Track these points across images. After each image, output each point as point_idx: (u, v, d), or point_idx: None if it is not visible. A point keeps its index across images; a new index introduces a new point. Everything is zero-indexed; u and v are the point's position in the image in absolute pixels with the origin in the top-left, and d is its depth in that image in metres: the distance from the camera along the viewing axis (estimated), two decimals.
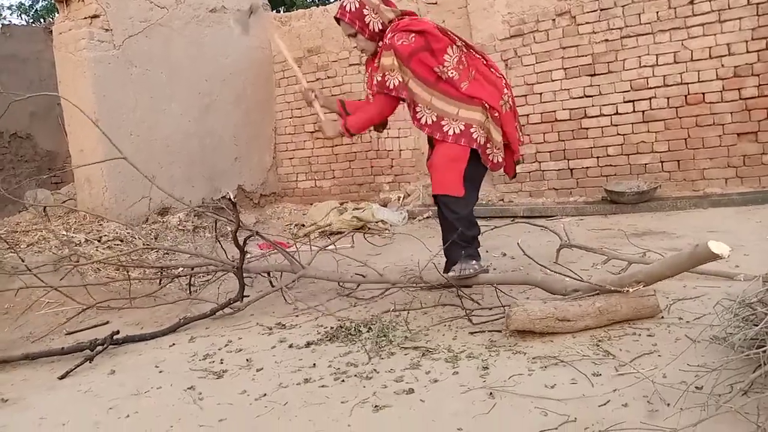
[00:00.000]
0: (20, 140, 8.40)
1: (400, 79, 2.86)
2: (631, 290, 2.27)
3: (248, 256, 3.28)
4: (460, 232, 2.89)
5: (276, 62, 7.29)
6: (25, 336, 3.03)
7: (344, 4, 2.95)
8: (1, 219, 5.73)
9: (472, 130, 2.87)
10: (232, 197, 2.67)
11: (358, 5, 2.93)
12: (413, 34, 2.83)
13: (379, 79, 2.90)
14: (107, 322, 3.10)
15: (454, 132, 2.88)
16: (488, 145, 2.93)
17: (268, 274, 3.32)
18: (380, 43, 2.94)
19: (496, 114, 2.91)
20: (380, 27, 2.95)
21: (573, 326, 2.25)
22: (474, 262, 2.88)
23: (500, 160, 2.98)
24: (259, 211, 6.88)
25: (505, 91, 2.98)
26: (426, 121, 2.92)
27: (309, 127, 7.15)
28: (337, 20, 3.03)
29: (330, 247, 3.95)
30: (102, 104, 5.28)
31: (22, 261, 3.34)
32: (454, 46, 2.89)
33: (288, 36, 7.16)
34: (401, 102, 2.98)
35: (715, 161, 5.11)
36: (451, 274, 2.85)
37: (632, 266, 3.02)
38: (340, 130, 3.07)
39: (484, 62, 3.00)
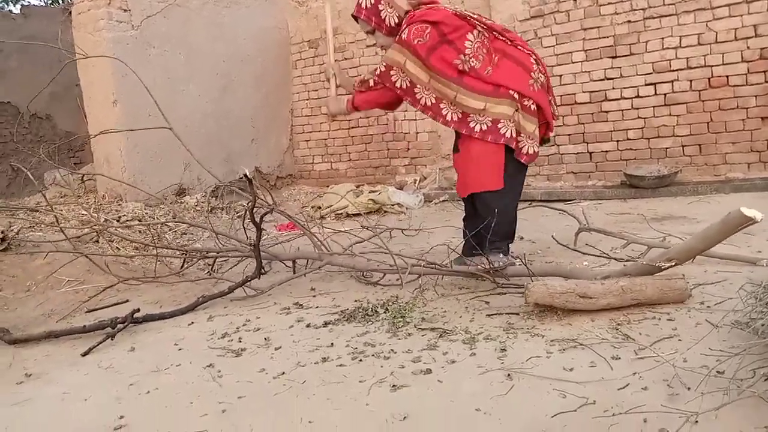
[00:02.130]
0: (40, 121, 8.49)
1: (408, 83, 2.81)
2: (664, 265, 2.25)
3: (265, 236, 3.28)
4: (494, 228, 2.76)
5: (293, 43, 7.26)
6: (47, 313, 3.07)
7: (360, 1, 2.92)
8: (22, 198, 5.81)
9: (500, 125, 2.79)
10: (248, 173, 2.66)
11: (373, 1, 2.87)
12: (428, 28, 2.74)
13: (383, 69, 2.85)
14: (127, 301, 3.14)
15: (481, 129, 2.81)
16: (520, 137, 2.83)
17: (293, 262, 3.29)
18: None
19: (528, 102, 2.82)
20: (396, 21, 2.88)
21: (594, 304, 2.21)
22: (502, 255, 2.84)
23: (535, 150, 2.87)
24: (276, 193, 6.90)
25: (535, 67, 2.86)
26: (452, 118, 2.86)
27: (325, 109, 7.13)
28: (355, 18, 2.99)
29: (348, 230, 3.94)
30: (120, 84, 5.32)
31: (60, 230, 3.33)
32: (475, 31, 2.80)
33: (305, 17, 7.13)
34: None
35: (738, 146, 5.02)
36: (471, 267, 2.82)
37: (652, 250, 2.99)
38: (344, 108, 3.05)
39: (509, 42, 2.88)
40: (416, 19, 2.79)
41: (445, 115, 2.86)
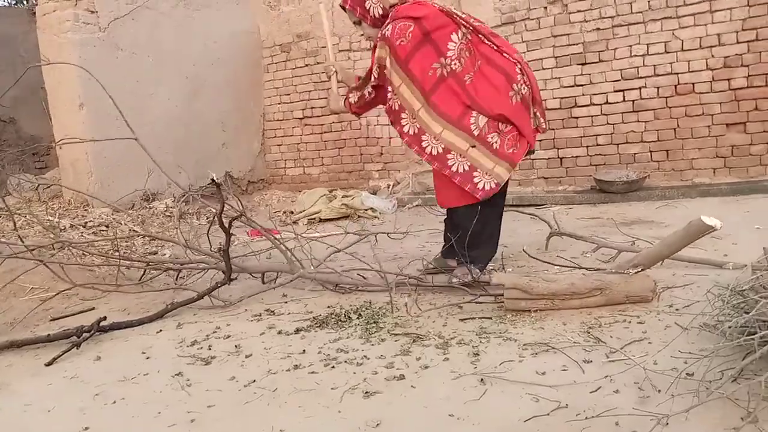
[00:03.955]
0: (3, 124, 8.26)
1: (389, 81, 2.78)
2: (631, 272, 2.31)
3: (236, 241, 3.23)
4: (470, 240, 2.76)
5: (265, 47, 7.21)
6: (9, 322, 2.98)
7: None
8: None
9: (449, 156, 2.74)
10: (215, 178, 2.62)
11: None
12: (411, 26, 2.68)
13: (377, 74, 2.84)
14: (93, 308, 3.06)
15: (430, 152, 2.77)
16: (475, 173, 2.74)
17: (263, 274, 3.24)
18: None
19: (503, 127, 2.73)
20: (380, 12, 2.84)
21: (558, 283, 2.36)
22: (478, 267, 2.83)
23: (492, 186, 2.74)
24: (247, 198, 6.83)
25: (518, 77, 2.77)
26: (407, 130, 2.81)
27: (298, 113, 7.10)
28: (343, 8, 2.97)
29: (323, 238, 3.90)
30: (87, 88, 5.20)
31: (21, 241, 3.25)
32: (460, 32, 2.73)
33: (277, 21, 7.08)
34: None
35: (704, 151, 5.13)
36: (453, 280, 2.81)
37: (622, 254, 3.03)
38: (344, 107, 3.06)
39: (495, 47, 2.80)
40: (400, 14, 2.74)
41: (403, 125, 2.82)
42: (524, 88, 2.79)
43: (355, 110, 3.09)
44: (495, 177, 2.75)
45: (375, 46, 2.84)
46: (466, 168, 2.74)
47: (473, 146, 2.73)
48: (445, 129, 2.74)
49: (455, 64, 2.72)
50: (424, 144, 2.79)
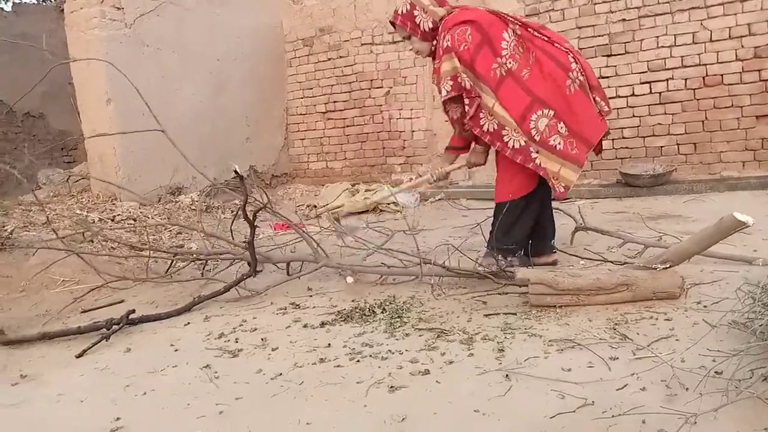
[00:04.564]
0: (33, 119, 8.44)
1: (470, 83, 2.78)
2: (659, 267, 2.29)
3: (260, 235, 3.25)
4: (494, 237, 2.87)
5: (288, 41, 7.24)
6: (41, 314, 3.05)
7: (397, 8, 2.97)
8: (16, 198, 5.77)
9: (531, 148, 2.77)
10: (238, 170, 2.63)
11: (409, 7, 2.91)
12: (468, 29, 2.74)
13: (450, 85, 2.80)
14: (122, 301, 3.12)
15: (514, 146, 2.79)
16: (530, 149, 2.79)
17: (288, 264, 3.27)
18: (433, 43, 2.89)
19: (561, 128, 2.76)
20: (431, 26, 2.89)
21: (584, 278, 2.34)
22: (501, 258, 2.81)
23: (561, 190, 2.81)
24: (271, 192, 6.89)
25: (573, 66, 2.79)
26: (488, 129, 2.83)
27: (320, 107, 7.12)
28: (393, 24, 3.02)
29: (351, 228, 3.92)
30: (114, 84, 5.28)
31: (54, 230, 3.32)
32: (509, 30, 2.78)
33: (299, 15, 7.10)
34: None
35: (733, 144, 5.04)
36: (480, 269, 2.82)
37: (648, 249, 2.99)
38: (480, 149, 3.03)
39: (546, 38, 2.83)
40: (453, 21, 2.80)
41: (482, 125, 2.83)
42: (580, 76, 2.81)
43: (473, 133, 2.98)
44: (563, 180, 2.80)
45: (437, 69, 2.88)
46: (523, 143, 2.78)
47: (537, 152, 2.77)
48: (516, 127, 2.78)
49: (510, 62, 2.75)
50: (505, 139, 2.80)
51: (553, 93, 2.76)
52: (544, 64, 2.77)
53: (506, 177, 2.94)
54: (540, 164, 2.78)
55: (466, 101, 2.82)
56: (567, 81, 2.78)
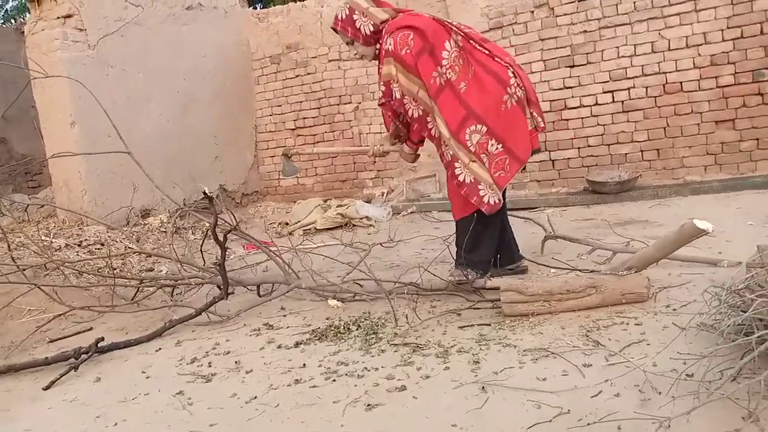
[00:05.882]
0: None
1: (399, 94, 2.76)
2: (624, 274, 2.34)
3: (231, 255, 3.22)
4: (459, 252, 2.88)
5: (255, 59, 7.22)
6: (6, 345, 2.96)
7: (337, 13, 2.93)
8: None
9: (456, 165, 2.75)
10: (207, 191, 2.60)
11: (348, 12, 2.86)
12: (411, 34, 2.69)
13: (381, 92, 2.84)
14: (91, 329, 3.05)
15: (447, 158, 2.79)
16: (480, 186, 2.74)
17: (258, 287, 3.23)
18: (377, 47, 2.86)
19: (482, 154, 2.73)
20: (372, 29, 2.83)
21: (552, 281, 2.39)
22: (469, 271, 2.82)
23: (495, 201, 2.75)
24: (242, 211, 6.82)
25: (512, 81, 2.76)
26: (435, 133, 2.83)
27: (290, 124, 7.10)
28: (334, 30, 2.98)
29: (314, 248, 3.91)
30: (78, 106, 5.19)
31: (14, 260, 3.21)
32: (451, 40, 2.74)
33: (266, 33, 7.10)
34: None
35: (694, 149, 5.17)
36: (450, 278, 2.83)
37: (617, 255, 3.04)
38: (409, 151, 3.11)
39: (487, 52, 2.81)
40: (396, 25, 2.75)
41: (431, 129, 2.83)
42: (519, 91, 2.79)
43: (413, 140, 3.07)
44: (496, 193, 2.77)
45: (379, 72, 2.87)
46: (471, 180, 2.73)
47: (473, 161, 2.74)
48: (452, 138, 2.74)
49: (450, 73, 2.71)
50: (443, 148, 2.81)
51: (487, 108, 2.72)
52: (482, 78, 2.74)
53: (458, 193, 2.85)
54: (463, 181, 2.73)
55: (413, 104, 2.79)
56: (504, 96, 2.75)
